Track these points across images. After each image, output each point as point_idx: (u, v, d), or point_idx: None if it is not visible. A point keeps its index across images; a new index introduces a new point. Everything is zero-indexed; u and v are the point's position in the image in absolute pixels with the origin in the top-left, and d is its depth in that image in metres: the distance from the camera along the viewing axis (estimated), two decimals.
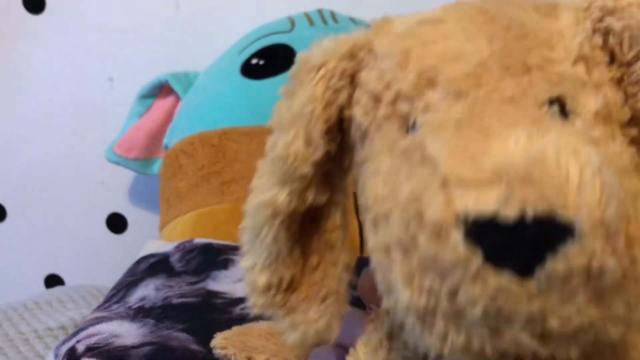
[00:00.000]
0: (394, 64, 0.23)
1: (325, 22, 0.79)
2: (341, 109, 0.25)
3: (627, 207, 0.18)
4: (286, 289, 0.26)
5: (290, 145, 0.24)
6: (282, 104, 0.25)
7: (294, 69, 0.26)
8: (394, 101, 0.23)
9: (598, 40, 0.22)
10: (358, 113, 0.24)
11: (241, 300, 0.52)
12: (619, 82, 0.22)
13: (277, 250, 0.26)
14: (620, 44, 0.22)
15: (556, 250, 0.17)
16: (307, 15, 0.81)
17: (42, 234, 1.00)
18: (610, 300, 0.18)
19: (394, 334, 0.26)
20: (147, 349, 0.45)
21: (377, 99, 0.23)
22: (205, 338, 0.45)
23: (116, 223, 0.99)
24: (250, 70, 0.76)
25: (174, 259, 0.63)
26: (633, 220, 0.18)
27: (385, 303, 0.22)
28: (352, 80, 0.25)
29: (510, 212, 0.17)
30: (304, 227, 0.27)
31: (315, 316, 0.26)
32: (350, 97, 0.25)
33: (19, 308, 0.79)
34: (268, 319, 0.27)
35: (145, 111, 0.86)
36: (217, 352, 0.43)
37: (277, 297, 0.26)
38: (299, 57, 0.25)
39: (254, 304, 0.26)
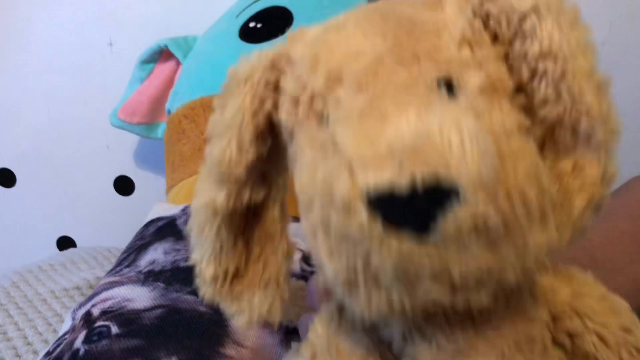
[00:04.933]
0: (307, 68, 0.25)
1: None
2: (269, 116, 0.27)
3: (505, 165, 0.20)
4: (232, 278, 0.30)
5: (224, 151, 0.27)
6: (216, 115, 0.28)
7: (225, 82, 0.28)
8: (310, 101, 0.25)
9: (479, 23, 0.25)
10: (283, 116, 0.27)
11: None
12: (505, 57, 0.25)
13: (219, 245, 0.29)
14: (499, 25, 0.25)
15: (445, 210, 0.19)
16: None
17: (52, 197, 1.03)
18: (501, 247, 0.21)
19: (342, 307, 0.29)
20: (158, 311, 0.47)
21: (296, 102, 0.26)
22: None
23: (123, 185, 1.01)
24: (248, 34, 0.76)
25: (180, 222, 0.65)
26: (511, 175, 0.20)
27: (321, 280, 0.24)
28: (276, 88, 0.27)
29: (402, 182, 0.19)
30: (246, 221, 0.30)
31: (258, 302, 0.29)
32: (275, 103, 0.27)
33: (34, 270, 0.82)
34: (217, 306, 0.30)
35: (146, 76, 0.87)
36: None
37: (224, 287, 0.29)
38: (229, 72, 0.28)
39: (204, 295, 0.30)
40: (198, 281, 0.30)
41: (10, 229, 1.05)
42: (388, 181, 0.20)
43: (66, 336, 0.50)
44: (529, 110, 0.25)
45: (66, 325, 0.53)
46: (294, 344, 0.32)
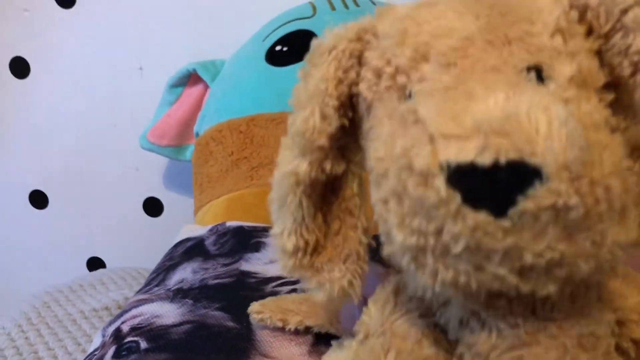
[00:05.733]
0: (393, 43, 0.25)
1: (346, 6, 0.80)
2: (351, 86, 0.27)
3: (592, 155, 0.20)
4: (312, 251, 0.30)
5: (307, 120, 0.27)
6: (299, 85, 0.28)
7: (309, 54, 0.28)
8: (394, 75, 0.25)
9: (575, 14, 0.24)
10: (363, 88, 0.27)
11: (273, 279, 0.54)
12: (597, 52, 0.24)
13: (301, 216, 0.29)
14: (597, 17, 0.24)
15: (526, 191, 0.19)
16: (328, 0, 0.82)
17: (83, 219, 1.04)
18: (577, 236, 0.20)
19: (399, 291, 0.29)
20: (186, 327, 0.48)
21: (379, 74, 0.26)
22: (239, 315, 0.48)
23: (152, 207, 1.03)
24: (274, 57, 0.78)
25: (208, 242, 0.66)
26: (597, 166, 0.20)
27: (386, 250, 0.24)
28: (359, 60, 0.28)
29: (485, 159, 0.19)
30: (325, 197, 0.30)
31: (338, 275, 0.29)
32: (358, 75, 0.27)
33: (64, 290, 0.83)
34: (299, 282, 0.30)
35: (175, 100, 0.89)
36: (253, 316, 0.45)
37: (304, 259, 0.29)
38: (313, 43, 0.28)
39: (284, 266, 0.30)
40: (279, 254, 0.29)
41: (41, 249, 1.07)
42: (471, 157, 0.19)
43: (96, 352, 0.50)
44: (628, 107, 0.24)
45: (96, 343, 0.54)
46: (334, 342, 0.32)
